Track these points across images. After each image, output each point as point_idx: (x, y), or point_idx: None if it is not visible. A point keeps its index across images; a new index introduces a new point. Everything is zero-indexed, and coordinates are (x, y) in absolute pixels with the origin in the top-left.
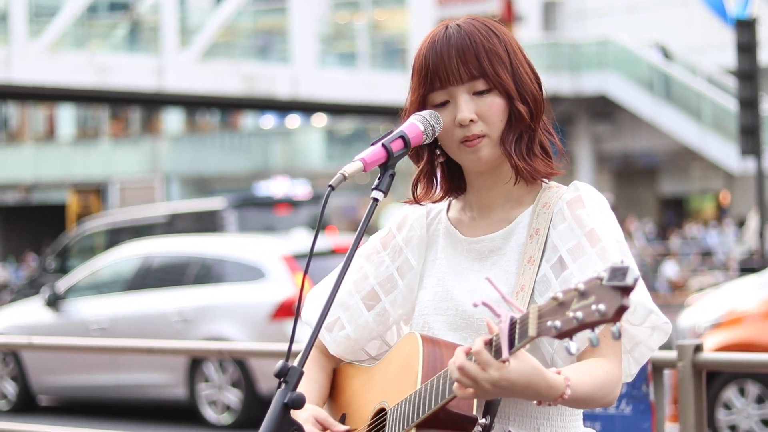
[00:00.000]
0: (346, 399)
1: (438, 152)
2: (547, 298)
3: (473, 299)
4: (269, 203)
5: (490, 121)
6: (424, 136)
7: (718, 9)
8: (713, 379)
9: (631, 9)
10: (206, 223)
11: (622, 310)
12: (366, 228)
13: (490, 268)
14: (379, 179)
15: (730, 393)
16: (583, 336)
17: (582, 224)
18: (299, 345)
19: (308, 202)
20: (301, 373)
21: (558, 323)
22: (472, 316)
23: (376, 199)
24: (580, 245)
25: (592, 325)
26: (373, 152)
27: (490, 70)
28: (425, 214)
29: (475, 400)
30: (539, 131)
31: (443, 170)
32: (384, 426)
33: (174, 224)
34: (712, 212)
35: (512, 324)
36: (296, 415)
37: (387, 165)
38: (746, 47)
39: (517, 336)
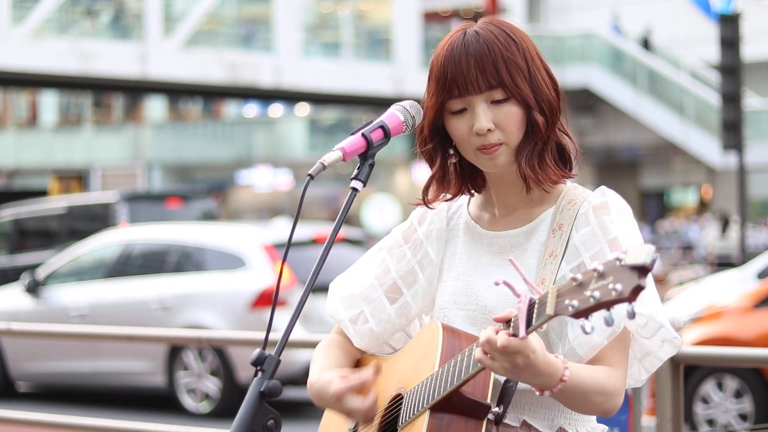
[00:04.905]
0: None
1: (451, 152)
2: (567, 279)
3: (494, 294)
4: (160, 197)
5: (507, 130)
6: (404, 126)
7: (702, 4)
8: (692, 373)
9: (616, 2)
10: (100, 215)
11: (638, 289)
12: (345, 217)
13: None
14: (358, 169)
15: (709, 387)
16: (599, 318)
17: (606, 231)
18: (276, 334)
19: (200, 196)
20: (278, 362)
21: (575, 302)
22: (492, 311)
23: (355, 189)
24: (601, 252)
25: (608, 305)
26: (352, 142)
27: (509, 80)
28: (446, 208)
29: (491, 388)
30: (554, 137)
31: (456, 169)
32: (400, 410)
33: (72, 216)
34: (694, 206)
35: (531, 304)
36: (321, 375)
37: (367, 155)
38: (729, 42)
39: (535, 315)
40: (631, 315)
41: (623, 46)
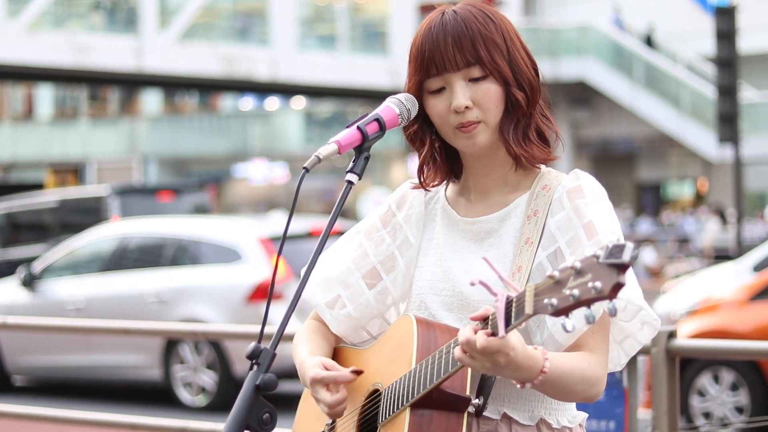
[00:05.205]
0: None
1: (434, 137)
2: (544, 277)
3: (470, 280)
4: (152, 190)
5: (485, 107)
6: (400, 119)
7: None
8: (688, 366)
9: None
10: (92, 209)
11: (618, 287)
12: (340, 210)
13: (487, 249)
14: (353, 162)
15: (705, 380)
16: (580, 315)
17: (581, 215)
18: (272, 327)
19: (192, 190)
20: (274, 356)
21: (554, 301)
22: (468, 297)
23: (350, 182)
24: (577, 237)
25: (588, 303)
26: (348, 134)
27: (486, 56)
28: (423, 192)
29: (469, 381)
30: (535, 117)
31: (441, 154)
32: (378, 407)
33: (64, 209)
34: (690, 199)
35: (508, 302)
36: (309, 358)
37: (362, 147)
38: (725, 35)
39: (513, 314)
40: (613, 312)
41: (619, 38)
